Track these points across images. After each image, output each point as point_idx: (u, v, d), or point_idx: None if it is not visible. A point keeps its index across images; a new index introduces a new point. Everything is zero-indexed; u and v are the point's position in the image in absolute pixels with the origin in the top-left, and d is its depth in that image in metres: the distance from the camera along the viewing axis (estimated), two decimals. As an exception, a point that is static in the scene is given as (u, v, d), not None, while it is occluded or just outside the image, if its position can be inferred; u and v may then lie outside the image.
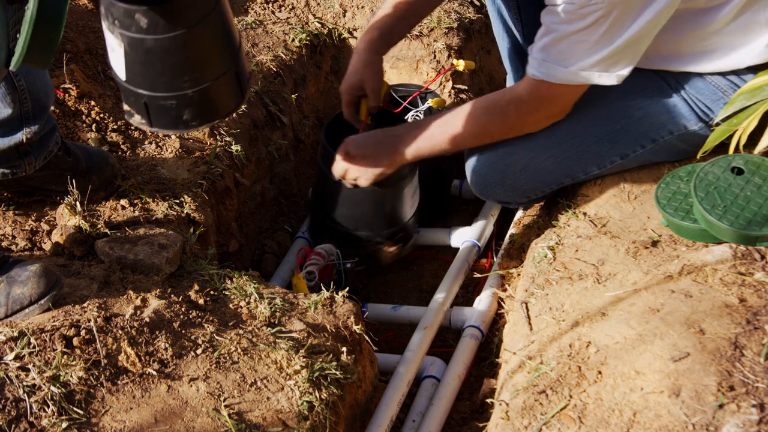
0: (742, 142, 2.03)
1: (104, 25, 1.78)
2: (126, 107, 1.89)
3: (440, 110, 2.78)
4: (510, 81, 2.85)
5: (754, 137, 2.05)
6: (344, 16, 3.33)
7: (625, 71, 2.13)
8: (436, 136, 2.35)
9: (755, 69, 2.20)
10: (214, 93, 1.87)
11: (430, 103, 2.82)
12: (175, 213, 2.34)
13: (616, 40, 2.05)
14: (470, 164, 2.49)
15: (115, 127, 2.57)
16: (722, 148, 2.19)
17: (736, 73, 2.22)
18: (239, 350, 1.88)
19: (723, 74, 2.23)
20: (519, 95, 2.27)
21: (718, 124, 2.18)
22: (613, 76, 2.13)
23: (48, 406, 1.68)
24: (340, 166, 2.45)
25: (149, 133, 2.59)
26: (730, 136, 2.08)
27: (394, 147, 2.38)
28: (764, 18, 2.14)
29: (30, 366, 1.73)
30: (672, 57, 2.23)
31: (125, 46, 1.77)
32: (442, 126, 2.34)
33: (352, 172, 2.44)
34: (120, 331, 1.82)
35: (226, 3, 1.84)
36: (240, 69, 1.91)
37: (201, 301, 2.00)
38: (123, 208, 2.30)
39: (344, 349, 1.97)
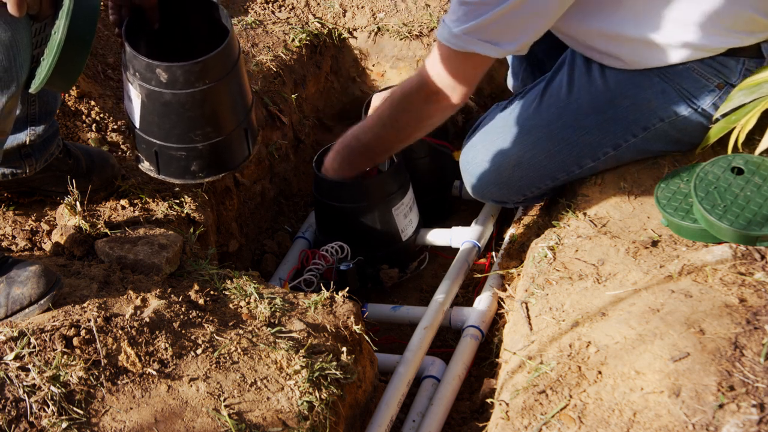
0: (741, 140, 2.02)
1: (125, 76, 1.84)
2: (137, 153, 1.96)
3: None
4: (510, 78, 2.85)
5: (753, 134, 2.05)
6: (344, 16, 3.33)
7: (510, 47, 2.10)
8: (365, 147, 2.47)
9: (734, 52, 2.18)
10: (223, 148, 1.94)
11: None
12: (175, 213, 2.34)
13: (494, 8, 2.01)
14: (464, 165, 2.49)
15: (115, 127, 2.56)
16: (721, 145, 2.18)
17: (714, 58, 2.19)
18: (239, 350, 1.88)
19: (702, 60, 2.20)
20: (419, 71, 2.27)
21: (717, 120, 2.18)
22: (495, 49, 2.09)
23: (48, 406, 1.68)
24: None
25: None
26: (729, 133, 2.08)
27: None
28: None
29: (30, 366, 1.73)
30: (643, 48, 2.20)
31: (143, 97, 1.83)
32: (365, 132, 2.43)
33: None
34: (120, 331, 1.82)
35: (243, 64, 1.89)
36: (249, 126, 1.96)
37: (201, 301, 2.00)
38: (123, 208, 2.30)
39: (344, 349, 1.97)
